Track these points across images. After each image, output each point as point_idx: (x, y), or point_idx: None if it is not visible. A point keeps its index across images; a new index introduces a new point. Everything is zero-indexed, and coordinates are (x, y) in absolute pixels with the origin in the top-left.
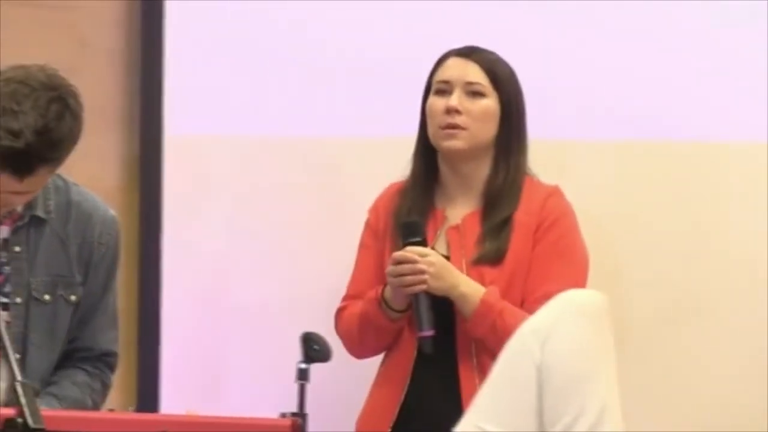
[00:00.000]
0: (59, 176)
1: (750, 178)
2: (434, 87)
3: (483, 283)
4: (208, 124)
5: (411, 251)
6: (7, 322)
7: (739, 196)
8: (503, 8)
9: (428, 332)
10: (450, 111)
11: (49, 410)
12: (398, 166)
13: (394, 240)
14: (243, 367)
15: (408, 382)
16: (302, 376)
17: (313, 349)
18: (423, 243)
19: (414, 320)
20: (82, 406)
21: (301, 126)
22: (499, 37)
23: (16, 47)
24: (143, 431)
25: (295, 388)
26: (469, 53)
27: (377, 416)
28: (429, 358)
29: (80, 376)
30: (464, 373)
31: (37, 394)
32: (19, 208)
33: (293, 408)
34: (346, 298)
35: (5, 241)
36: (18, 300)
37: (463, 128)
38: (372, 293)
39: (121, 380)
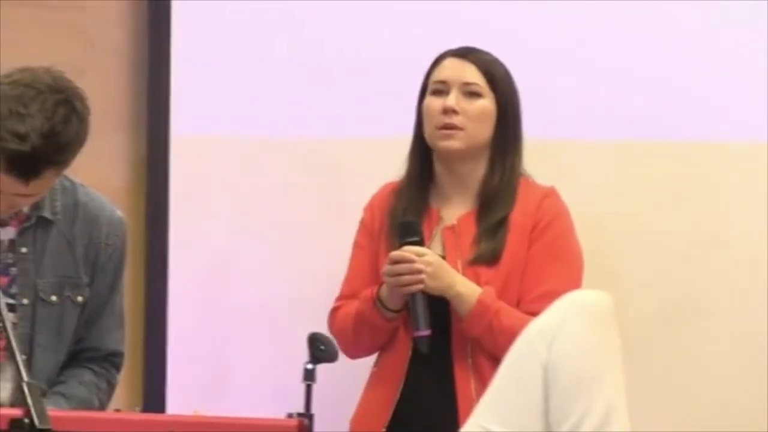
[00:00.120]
0: (66, 177)
1: (750, 178)
2: (431, 87)
3: (479, 283)
4: (215, 124)
5: (408, 251)
6: (14, 324)
7: (739, 196)
8: (502, 8)
9: (425, 332)
10: (447, 111)
11: (55, 411)
12: (398, 166)
13: (389, 240)
14: (248, 367)
15: (403, 382)
16: (309, 376)
17: (320, 350)
18: (420, 243)
19: (410, 320)
20: (90, 406)
21: (301, 126)
22: (499, 37)
23: (21, 48)
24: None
25: (298, 387)
26: (466, 54)
27: (371, 416)
28: (424, 357)
29: (87, 376)
30: (459, 373)
31: (43, 394)
32: (26, 209)
33: (296, 407)
34: (340, 297)
35: (12, 242)
36: (25, 301)
37: (460, 128)
38: (367, 292)
39: (128, 380)
